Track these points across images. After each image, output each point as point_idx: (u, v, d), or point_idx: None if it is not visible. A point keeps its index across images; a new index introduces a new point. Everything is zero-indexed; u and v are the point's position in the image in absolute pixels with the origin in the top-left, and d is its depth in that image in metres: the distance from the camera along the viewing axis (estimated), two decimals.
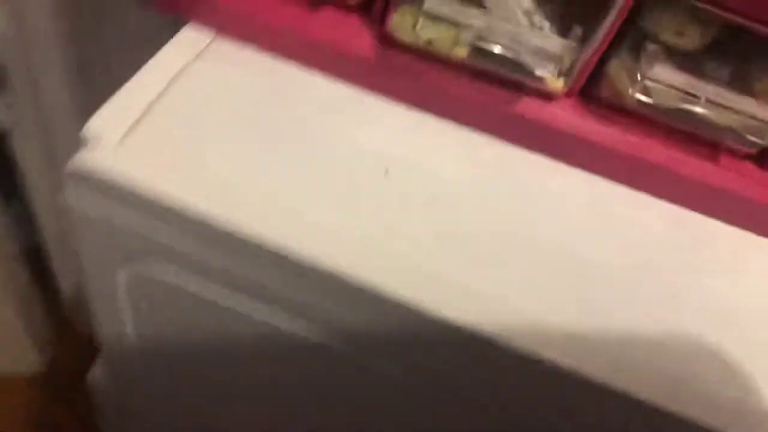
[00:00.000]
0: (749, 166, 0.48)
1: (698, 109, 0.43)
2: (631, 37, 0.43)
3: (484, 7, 0.42)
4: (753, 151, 0.47)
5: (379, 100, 0.48)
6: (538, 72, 0.43)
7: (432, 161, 0.46)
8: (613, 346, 0.39)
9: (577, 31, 0.42)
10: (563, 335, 0.38)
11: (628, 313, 0.41)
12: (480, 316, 0.37)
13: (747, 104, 0.43)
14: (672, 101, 0.44)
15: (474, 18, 0.42)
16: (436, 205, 0.43)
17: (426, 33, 0.43)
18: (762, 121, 0.43)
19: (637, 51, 0.44)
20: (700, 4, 0.39)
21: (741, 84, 0.43)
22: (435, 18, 0.42)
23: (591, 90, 0.46)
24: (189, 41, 0.47)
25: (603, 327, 0.40)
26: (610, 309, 0.41)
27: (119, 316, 0.50)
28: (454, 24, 0.42)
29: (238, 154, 0.42)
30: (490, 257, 0.41)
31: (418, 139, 0.47)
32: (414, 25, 0.43)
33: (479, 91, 0.46)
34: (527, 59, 0.43)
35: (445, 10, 0.41)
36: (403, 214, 0.42)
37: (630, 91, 0.44)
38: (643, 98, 0.44)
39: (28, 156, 0.82)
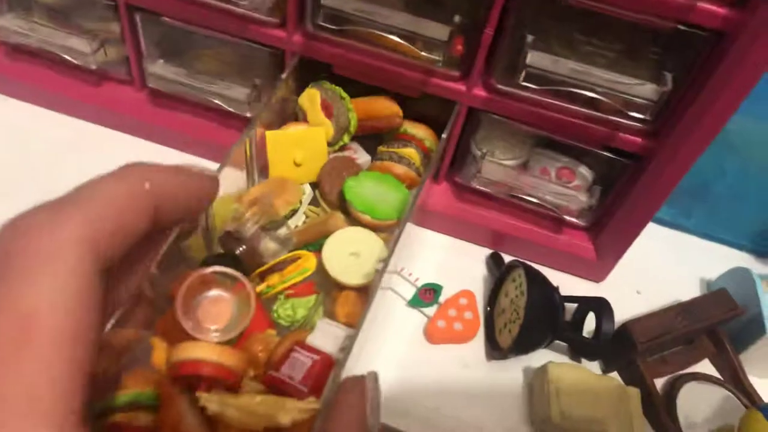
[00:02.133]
0: (582, 235, 0.66)
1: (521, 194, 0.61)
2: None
3: None
4: (584, 224, 0.64)
5: None
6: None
7: None
8: None
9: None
10: None
11: None
12: None
13: (553, 188, 0.60)
14: (501, 189, 0.62)
15: None
16: None
17: None
18: (566, 195, 0.61)
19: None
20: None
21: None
22: None
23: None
24: None
25: None
26: None
27: None
28: None
29: None
30: None
31: None
32: None
33: None
34: None
35: None
36: None
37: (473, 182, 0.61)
38: (480, 187, 0.61)
39: None
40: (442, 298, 0.61)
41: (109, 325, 0.28)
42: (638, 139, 0.55)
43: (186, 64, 0.67)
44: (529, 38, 0.51)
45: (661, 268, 0.69)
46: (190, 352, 0.41)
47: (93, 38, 0.65)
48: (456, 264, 0.65)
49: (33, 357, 0.15)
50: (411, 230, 0.67)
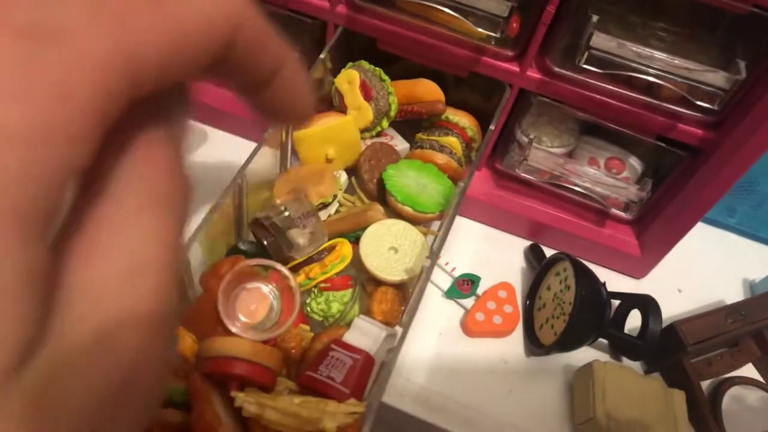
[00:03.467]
0: (627, 230, 0.63)
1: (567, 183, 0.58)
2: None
3: None
4: (630, 217, 0.62)
5: None
6: None
7: None
8: None
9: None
10: None
11: None
12: None
13: (602, 178, 0.58)
14: (545, 178, 0.59)
15: None
16: None
17: None
18: (615, 187, 0.58)
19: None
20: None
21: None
22: None
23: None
24: None
25: None
26: None
27: None
28: None
29: None
30: None
31: None
32: None
33: None
34: None
35: None
36: None
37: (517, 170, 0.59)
38: (524, 175, 0.59)
39: None
40: (479, 290, 0.59)
41: None
42: (699, 131, 0.52)
43: None
44: (594, 18, 0.47)
45: (702, 267, 0.67)
46: (224, 347, 0.38)
47: None
48: (493, 255, 0.62)
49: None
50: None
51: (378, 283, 0.50)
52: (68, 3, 0.11)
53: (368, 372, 0.40)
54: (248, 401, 0.36)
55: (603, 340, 0.58)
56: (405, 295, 0.50)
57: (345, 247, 0.52)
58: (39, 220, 0.11)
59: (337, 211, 0.57)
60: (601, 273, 0.63)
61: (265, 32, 0.15)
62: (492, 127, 0.53)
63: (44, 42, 0.11)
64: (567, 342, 0.53)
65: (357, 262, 0.51)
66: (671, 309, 0.60)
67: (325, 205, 0.56)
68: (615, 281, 0.63)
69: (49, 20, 0.11)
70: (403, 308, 0.48)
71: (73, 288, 0.12)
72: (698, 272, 0.66)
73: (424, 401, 0.51)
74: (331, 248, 0.52)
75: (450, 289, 0.58)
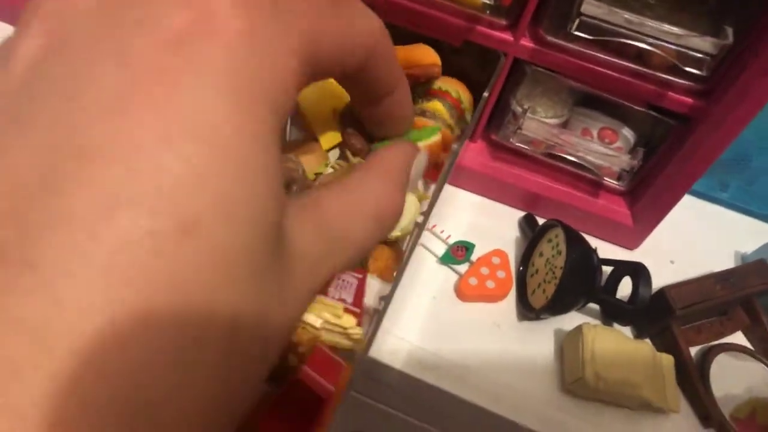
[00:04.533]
0: (620, 200, 0.64)
1: (561, 153, 0.60)
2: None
3: None
4: (623, 188, 0.63)
5: None
6: None
7: None
8: None
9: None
10: None
11: None
12: None
13: (595, 147, 0.59)
14: (539, 148, 0.60)
15: None
16: None
17: None
18: (608, 156, 0.59)
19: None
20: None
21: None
22: None
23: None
24: None
25: None
26: None
27: None
28: None
29: None
30: None
31: None
32: None
33: None
34: None
35: None
36: None
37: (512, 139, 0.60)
38: (519, 145, 0.60)
39: None
40: (474, 257, 0.60)
41: None
42: (688, 99, 0.53)
43: None
44: None
45: (695, 240, 0.68)
46: None
47: None
48: (488, 224, 0.64)
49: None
50: (443, 188, 0.65)
51: None
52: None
53: (363, 291, 0.42)
54: None
55: (595, 307, 0.59)
56: (400, 255, 0.52)
57: None
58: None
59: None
60: (595, 243, 0.64)
61: (393, 55, 0.21)
62: (486, 93, 0.54)
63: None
64: (557, 305, 0.54)
65: None
66: (663, 279, 0.61)
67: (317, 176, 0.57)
68: (608, 252, 0.65)
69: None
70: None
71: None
72: (691, 245, 0.67)
73: (416, 360, 0.53)
74: None
75: (444, 255, 0.59)
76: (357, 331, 0.33)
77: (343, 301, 0.36)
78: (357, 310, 0.35)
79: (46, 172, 0.12)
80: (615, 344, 0.53)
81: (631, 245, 0.65)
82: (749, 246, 0.66)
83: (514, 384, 0.53)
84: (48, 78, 0.13)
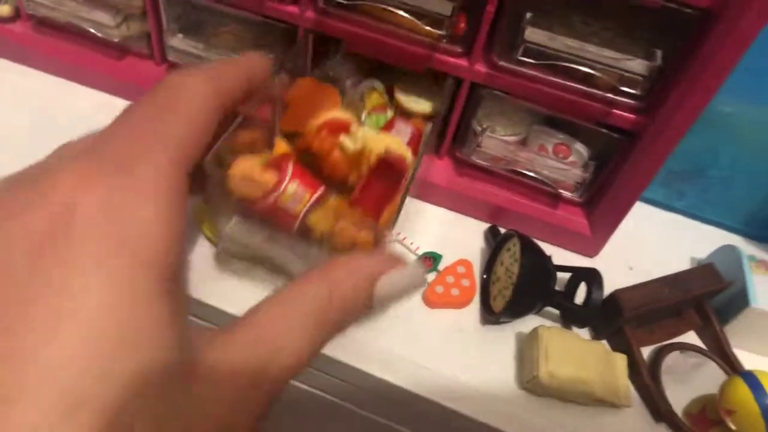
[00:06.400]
0: (578, 211, 0.69)
1: (520, 169, 0.64)
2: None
3: None
4: (580, 199, 0.67)
5: None
6: None
7: None
8: None
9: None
10: None
11: None
12: None
13: (550, 162, 0.63)
14: (500, 164, 0.65)
15: None
16: None
17: None
18: (562, 170, 0.63)
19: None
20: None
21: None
22: None
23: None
24: None
25: None
26: None
27: None
28: None
29: None
30: None
31: None
32: None
33: None
34: None
35: None
36: None
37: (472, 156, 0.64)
38: (480, 162, 0.65)
39: None
40: (441, 266, 0.64)
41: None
42: (631, 116, 0.58)
43: (203, 39, 0.70)
44: (528, 15, 0.54)
45: (653, 247, 0.72)
46: None
47: (116, 12, 0.68)
48: (456, 236, 0.68)
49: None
50: (413, 203, 0.70)
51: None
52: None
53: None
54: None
55: (555, 312, 0.63)
56: None
57: None
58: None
59: None
60: (557, 252, 0.69)
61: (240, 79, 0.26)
62: (438, 112, 0.59)
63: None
64: (514, 308, 0.58)
65: None
66: (621, 284, 0.64)
67: None
68: (570, 260, 0.69)
69: None
70: None
71: None
72: (649, 251, 0.71)
73: (383, 362, 0.57)
74: None
75: None
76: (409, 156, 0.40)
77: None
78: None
79: None
80: (568, 344, 0.57)
81: (591, 253, 0.69)
82: (704, 251, 0.70)
83: (476, 384, 0.57)
84: None
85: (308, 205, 0.46)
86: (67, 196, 0.17)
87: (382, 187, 0.45)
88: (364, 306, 0.26)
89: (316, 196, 0.48)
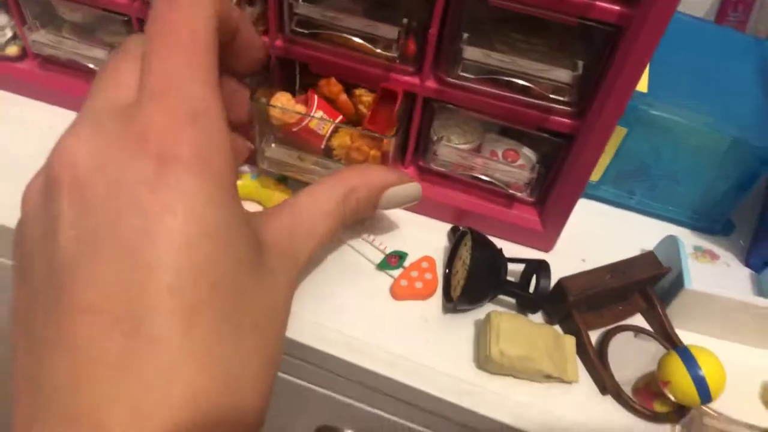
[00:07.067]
0: (531, 210, 0.76)
1: (476, 173, 0.71)
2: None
3: None
4: (531, 198, 0.74)
5: None
6: None
7: None
8: None
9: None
10: None
11: None
12: None
13: (502, 166, 0.70)
14: (458, 170, 0.72)
15: None
16: None
17: None
18: (510, 172, 0.70)
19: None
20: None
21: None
22: None
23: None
24: None
25: None
26: None
27: None
28: None
29: None
30: None
31: None
32: None
33: None
34: None
35: None
36: None
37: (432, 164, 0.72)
38: (439, 168, 0.72)
39: None
40: (407, 263, 0.71)
41: None
42: (566, 120, 0.65)
43: None
44: (465, 36, 0.61)
45: (605, 241, 0.79)
46: None
47: (111, 49, 0.77)
48: (421, 236, 0.75)
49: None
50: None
51: None
52: None
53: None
54: None
55: (511, 300, 0.70)
56: None
57: None
58: None
59: None
60: (515, 248, 0.75)
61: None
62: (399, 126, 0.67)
63: None
64: (468, 295, 0.65)
65: None
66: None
67: None
68: (527, 254, 0.75)
69: None
70: None
71: None
72: (601, 245, 0.78)
73: (353, 348, 0.63)
74: None
75: (381, 263, 0.71)
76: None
77: None
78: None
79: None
80: (518, 326, 0.63)
81: (546, 247, 0.76)
82: (652, 243, 0.77)
83: (437, 365, 0.64)
84: None
85: (331, 128, 0.63)
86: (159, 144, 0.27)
87: (385, 110, 0.66)
88: (374, 206, 0.39)
89: (336, 121, 0.68)
